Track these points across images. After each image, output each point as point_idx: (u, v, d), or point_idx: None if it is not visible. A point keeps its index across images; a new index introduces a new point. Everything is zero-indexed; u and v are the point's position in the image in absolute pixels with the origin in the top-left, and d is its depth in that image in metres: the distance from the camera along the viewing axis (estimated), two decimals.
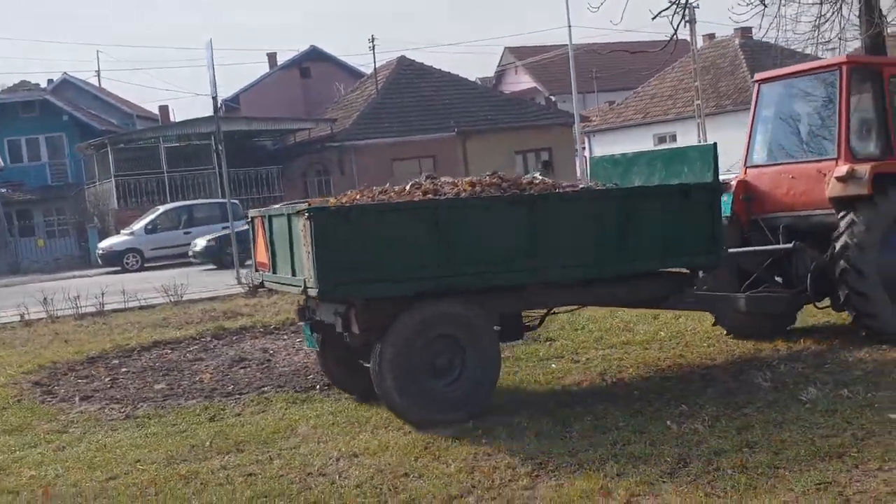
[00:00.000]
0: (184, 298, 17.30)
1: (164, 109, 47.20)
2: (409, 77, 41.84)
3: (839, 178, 8.85)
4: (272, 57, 54.40)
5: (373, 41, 41.23)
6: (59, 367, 11.69)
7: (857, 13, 16.84)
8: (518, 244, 7.48)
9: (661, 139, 44.85)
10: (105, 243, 31.82)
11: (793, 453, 5.84)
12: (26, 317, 16.13)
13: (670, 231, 8.05)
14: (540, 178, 8.94)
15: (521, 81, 64.96)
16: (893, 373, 7.69)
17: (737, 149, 10.37)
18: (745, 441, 6.18)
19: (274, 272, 8.17)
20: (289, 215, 7.54)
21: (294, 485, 6.22)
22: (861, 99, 9.51)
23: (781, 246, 9.42)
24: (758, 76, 10.43)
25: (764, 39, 22.92)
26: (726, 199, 9.36)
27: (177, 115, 52.95)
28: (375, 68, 42.45)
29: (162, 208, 32.31)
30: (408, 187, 8.02)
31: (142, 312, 16.36)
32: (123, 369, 11.38)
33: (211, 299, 17.51)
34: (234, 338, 12.96)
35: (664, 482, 5.59)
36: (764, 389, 7.51)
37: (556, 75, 61.19)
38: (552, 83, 61.73)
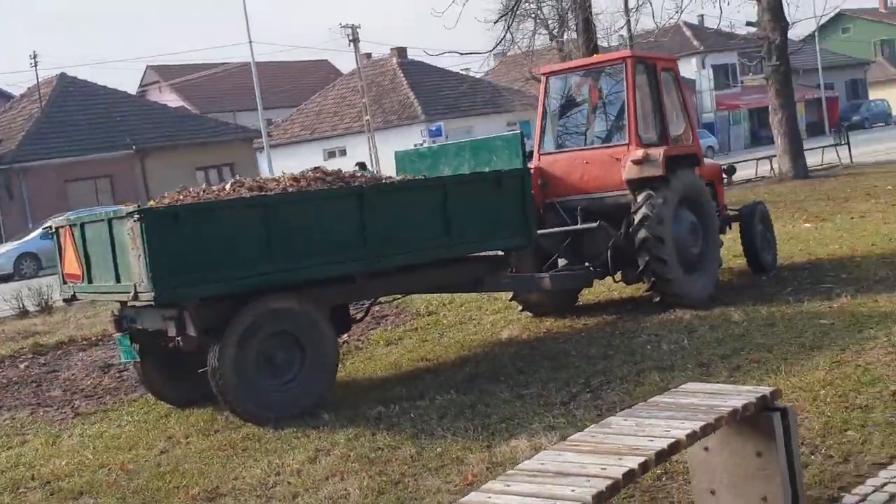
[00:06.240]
0: None
1: None
2: (74, 95, 39.90)
3: (635, 161, 9.50)
4: None
5: (35, 58, 38.66)
6: None
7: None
8: (348, 235, 7.61)
9: (331, 154, 46.63)
10: None
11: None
12: None
13: (488, 216, 8.49)
14: (360, 171, 9.43)
15: (166, 99, 63.61)
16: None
17: None
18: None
19: (90, 282, 7.71)
20: (110, 220, 7.20)
21: None
22: (640, 90, 10.17)
23: (586, 225, 9.91)
24: (544, 68, 10.99)
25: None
26: None
27: None
28: (39, 84, 39.90)
29: None
30: (227, 186, 7.91)
31: None
32: None
33: None
34: (59, 352, 12.46)
35: None
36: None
37: (204, 94, 60.86)
38: (201, 101, 61.21)
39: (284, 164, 46.10)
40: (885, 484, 4.79)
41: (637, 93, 10.00)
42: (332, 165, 9.72)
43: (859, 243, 12.49)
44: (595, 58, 11.22)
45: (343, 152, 45.76)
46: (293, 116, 49.59)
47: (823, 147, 31.21)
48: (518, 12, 24.45)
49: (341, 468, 6.03)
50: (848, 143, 30.75)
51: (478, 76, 49.80)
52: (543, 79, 10.70)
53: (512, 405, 6.95)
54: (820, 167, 27.86)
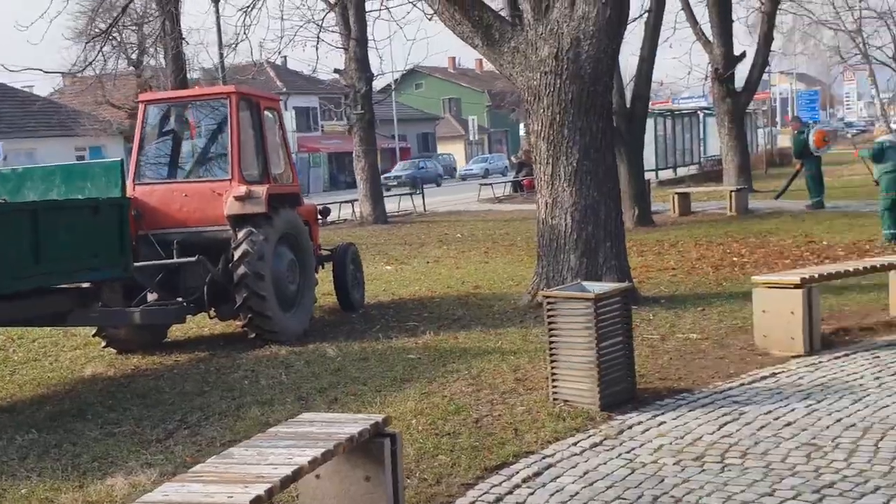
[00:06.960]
0: None
1: None
2: None
3: (238, 198, 9.48)
4: None
5: None
6: None
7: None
8: None
9: None
10: None
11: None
12: None
13: (83, 245, 8.06)
14: None
15: None
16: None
17: None
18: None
19: None
20: None
21: None
22: (244, 126, 10.18)
23: (185, 259, 9.62)
24: (143, 97, 10.74)
25: None
26: None
27: None
28: None
29: None
30: None
31: None
32: None
33: None
34: None
35: None
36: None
37: None
38: None
39: None
40: (473, 502, 5.18)
41: (240, 129, 9.98)
42: None
43: (436, 285, 13.47)
44: (198, 90, 10.99)
45: None
46: None
47: (400, 195, 33.34)
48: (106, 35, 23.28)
49: None
50: (422, 193, 33.16)
51: (43, 96, 46.74)
52: (142, 107, 10.33)
53: (103, 443, 6.56)
54: (397, 213, 29.67)
